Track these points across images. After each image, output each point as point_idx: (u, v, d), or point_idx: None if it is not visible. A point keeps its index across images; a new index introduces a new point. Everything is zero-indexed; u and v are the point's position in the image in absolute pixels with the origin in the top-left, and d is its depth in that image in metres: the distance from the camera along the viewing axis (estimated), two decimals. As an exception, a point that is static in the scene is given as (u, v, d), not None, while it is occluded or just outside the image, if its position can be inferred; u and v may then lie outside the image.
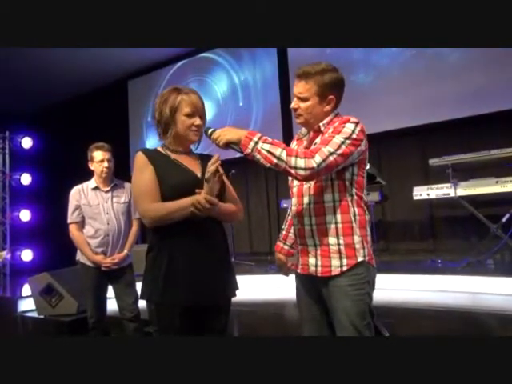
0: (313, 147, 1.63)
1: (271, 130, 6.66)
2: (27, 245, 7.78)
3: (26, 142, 7.71)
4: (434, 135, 5.63)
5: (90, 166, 2.99)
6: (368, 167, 1.84)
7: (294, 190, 1.75)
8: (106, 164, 2.92)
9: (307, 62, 1.71)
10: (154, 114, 1.74)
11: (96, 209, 2.90)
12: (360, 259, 1.62)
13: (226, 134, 1.58)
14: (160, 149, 1.76)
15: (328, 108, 1.69)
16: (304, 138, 1.81)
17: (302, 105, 1.69)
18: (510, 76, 5.07)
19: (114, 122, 8.59)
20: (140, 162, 1.69)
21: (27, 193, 7.95)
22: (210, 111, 7.02)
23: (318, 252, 1.66)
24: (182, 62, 8.01)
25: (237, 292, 1.78)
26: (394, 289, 4.17)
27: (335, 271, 1.62)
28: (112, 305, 3.05)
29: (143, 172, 1.67)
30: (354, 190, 1.66)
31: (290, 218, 1.92)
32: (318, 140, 1.68)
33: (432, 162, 4.79)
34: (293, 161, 1.50)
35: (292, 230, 1.87)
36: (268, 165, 1.53)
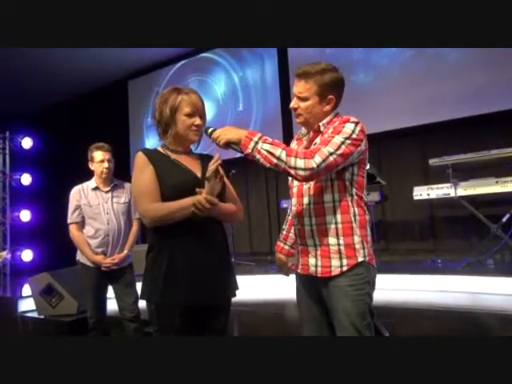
0: (313, 147, 1.63)
1: (271, 130, 6.66)
2: (27, 245, 7.78)
3: (26, 142, 7.71)
4: (434, 135, 5.63)
5: (90, 166, 2.99)
6: (368, 167, 1.84)
7: (294, 190, 1.75)
8: (106, 164, 2.92)
9: (307, 61, 1.70)
10: (154, 114, 1.74)
11: (96, 209, 2.90)
12: (360, 259, 1.62)
13: (227, 133, 1.58)
14: (160, 149, 1.76)
15: (328, 108, 1.69)
16: (304, 138, 1.81)
17: (302, 104, 1.68)
18: (510, 76, 5.07)
19: (114, 122, 8.59)
20: (140, 162, 1.69)
21: (27, 193, 7.95)
22: (210, 111, 7.01)
23: (318, 252, 1.66)
24: (182, 62, 8.02)
25: (237, 292, 1.78)
26: (394, 289, 4.17)
27: (335, 271, 1.62)
28: (112, 305, 3.05)
29: (143, 172, 1.67)
30: (354, 190, 1.66)
31: (290, 218, 1.92)
32: (317, 140, 1.68)
33: (432, 161, 4.79)
34: (292, 161, 1.50)
35: (292, 230, 1.87)
36: (268, 165, 1.53)
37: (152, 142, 7.99)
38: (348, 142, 1.56)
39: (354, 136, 1.57)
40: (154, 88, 8.15)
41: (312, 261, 1.68)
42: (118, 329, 3.01)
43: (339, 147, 1.54)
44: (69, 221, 2.94)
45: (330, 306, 1.64)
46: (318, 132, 1.70)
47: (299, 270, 1.76)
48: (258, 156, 1.53)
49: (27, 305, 4.43)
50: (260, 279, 5.10)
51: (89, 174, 3.02)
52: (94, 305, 2.89)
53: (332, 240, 1.63)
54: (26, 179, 7.72)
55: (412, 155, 5.87)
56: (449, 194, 4.74)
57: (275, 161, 1.51)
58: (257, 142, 1.53)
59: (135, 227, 3.01)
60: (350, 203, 1.65)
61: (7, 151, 7.65)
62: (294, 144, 1.86)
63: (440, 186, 4.83)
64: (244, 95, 7.40)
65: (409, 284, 4.32)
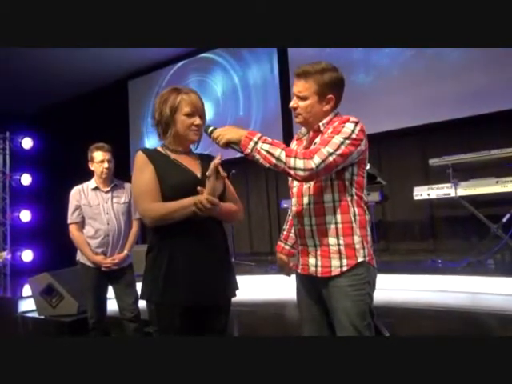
0: (312, 147, 1.63)
1: (271, 130, 6.66)
2: (27, 245, 7.78)
3: (27, 143, 7.72)
4: (434, 135, 5.63)
5: (90, 166, 2.99)
6: (368, 167, 1.84)
7: (294, 190, 1.75)
8: (106, 164, 2.92)
9: (307, 61, 1.70)
10: (154, 115, 1.74)
11: (96, 209, 2.90)
12: (360, 259, 1.61)
13: (227, 133, 1.58)
14: (160, 149, 1.77)
15: (327, 107, 1.68)
16: (304, 138, 1.81)
17: (302, 104, 1.68)
18: (510, 76, 5.07)
19: (114, 122, 8.59)
20: (140, 162, 1.69)
21: (27, 193, 7.95)
22: (209, 111, 7.04)
23: (318, 252, 1.66)
24: (183, 62, 8.01)
25: (237, 292, 1.78)
26: (395, 289, 4.17)
27: (335, 271, 1.61)
28: (112, 305, 3.05)
29: (143, 171, 1.67)
30: (354, 189, 1.66)
31: (290, 218, 1.92)
32: (317, 140, 1.68)
33: (432, 162, 4.79)
34: (292, 161, 1.50)
35: (293, 231, 1.87)
36: (267, 165, 1.53)
37: (152, 142, 7.98)
38: (347, 142, 1.55)
39: (354, 136, 1.57)
40: (154, 88, 8.15)
41: (312, 261, 1.67)
42: (118, 329, 3.01)
43: (339, 147, 1.54)
44: (69, 221, 2.94)
45: (330, 306, 1.64)
46: (317, 132, 1.70)
47: (299, 270, 1.76)
48: (257, 156, 1.53)
49: (27, 305, 4.43)
50: (260, 279, 5.10)
51: (89, 174, 3.02)
52: (94, 305, 2.89)
53: (332, 240, 1.63)
54: (26, 179, 7.73)
55: (412, 155, 5.87)
56: (449, 194, 4.74)
57: (274, 161, 1.51)
58: (256, 142, 1.53)
59: (135, 227, 3.01)
60: (349, 203, 1.64)
61: (7, 151, 7.66)
62: (293, 144, 1.86)
63: (440, 186, 4.83)
64: (244, 95, 7.40)
65: (409, 284, 4.31)
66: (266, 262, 5.94)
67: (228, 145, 1.59)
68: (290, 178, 1.72)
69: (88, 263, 2.88)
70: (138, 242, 3.45)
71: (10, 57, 6.81)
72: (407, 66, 5.86)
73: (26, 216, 7.77)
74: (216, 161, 1.61)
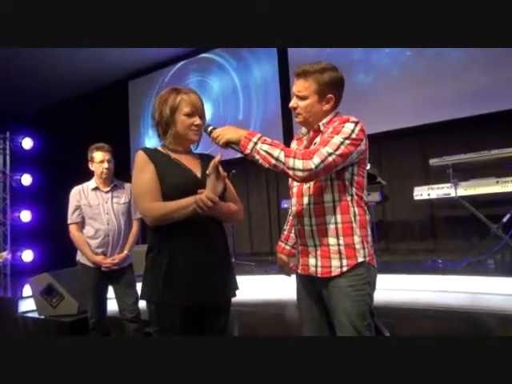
0: (312, 147, 1.63)
1: (271, 130, 6.66)
2: (28, 245, 7.78)
3: (27, 143, 7.72)
4: (435, 135, 5.63)
5: (90, 166, 2.99)
6: (369, 167, 1.84)
7: (294, 190, 1.75)
8: (105, 165, 2.92)
9: (307, 61, 1.70)
10: (154, 115, 1.74)
11: (96, 209, 2.90)
12: (360, 260, 1.61)
13: (226, 133, 1.58)
14: (160, 148, 1.77)
15: (327, 107, 1.68)
16: (304, 138, 1.81)
17: (301, 103, 1.68)
18: (510, 76, 5.07)
19: (115, 122, 8.59)
20: (140, 161, 1.69)
21: (28, 193, 7.95)
22: (209, 111, 7.04)
23: (318, 252, 1.66)
24: (183, 62, 8.01)
25: (237, 292, 1.78)
26: (395, 289, 4.17)
27: (335, 272, 1.61)
28: (112, 305, 3.05)
29: (144, 171, 1.67)
30: (354, 189, 1.65)
31: (291, 218, 1.92)
32: (317, 139, 1.67)
33: (432, 162, 4.79)
34: (291, 162, 1.50)
35: (293, 231, 1.87)
36: (267, 165, 1.53)
37: (152, 142, 7.99)
38: (347, 142, 1.55)
39: (354, 136, 1.57)
40: (154, 88, 8.15)
41: (312, 261, 1.67)
42: (119, 329, 3.01)
43: (338, 147, 1.53)
44: (69, 221, 2.94)
45: (330, 306, 1.64)
46: (317, 131, 1.69)
47: (299, 270, 1.75)
48: (256, 156, 1.53)
49: (28, 305, 4.43)
50: (260, 279, 5.10)
51: (89, 175, 3.02)
52: (95, 305, 2.89)
53: (332, 240, 1.63)
54: (26, 179, 7.73)
55: (412, 155, 5.87)
56: (449, 194, 4.74)
57: (274, 161, 1.51)
58: (256, 143, 1.53)
59: (135, 227, 3.01)
60: (349, 203, 1.64)
61: (7, 151, 7.66)
62: (294, 144, 1.86)
63: (440, 186, 4.83)
64: (244, 95, 7.39)
65: (409, 284, 4.31)
66: (266, 262, 5.94)
67: (227, 145, 1.59)
68: (290, 178, 1.72)
69: (88, 263, 2.88)
70: (138, 242, 3.45)
71: (10, 57, 6.81)
72: (407, 66, 5.86)
73: (26, 216, 7.77)
74: (216, 159, 1.61)
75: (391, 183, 5.66)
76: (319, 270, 1.65)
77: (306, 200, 1.69)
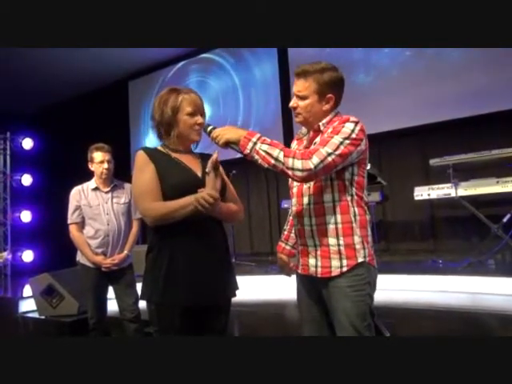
0: (312, 147, 1.62)
1: (271, 130, 6.67)
2: (28, 246, 7.78)
3: (27, 143, 7.72)
4: (435, 135, 5.63)
5: (90, 166, 2.99)
6: (369, 167, 1.84)
7: (294, 190, 1.75)
8: (105, 165, 2.92)
9: (307, 61, 1.70)
10: (154, 116, 1.74)
11: (96, 209, 2.90)
12: (360, 260, 1.61)
13: (226, 133, 1.58)
14: (161, 148, 1.76)
15: (327, 107, 1.68)
16: (304, 138, 1.81)
17: (301, 103, 1.68)
18: (510, 76, 5.07)
19: (115, 122, 8.59)
20: (141, 161, 1.69)
21: (28, 193, 7.96)
22: (210, 111, 7.03)
23: (318, 252, 1.65)
24: (183, 62, 8.02)
25: (237, 292, 1.78)
26: (395, 289, 4.17)
27: (335, 272, 1.61)
28: (112, 305, 3.05)
29: (144, 171, 1.67)
30: (354, 189, 1.65)
31: (291, 218, 1.92)
32: (317, 139, 1.67)
33: (433, 162, 4.79)
34: (290, 162, 1.50)
35: (293, 231, 1.87)
36: (266, 165, 1.53)
37: (152, 142, 7.98)
38: (347, 142, 1.55)
39: (354, 136, 1.57)
40: (154, 88, 8.15)
41: (312, 261, 1.67)
42: (119, 329, 3.01)
43: (338, 147, 1.53)
44: (69, 221, 2.94)
45: (330, 306, 1.64)
46: (317, 131, 1.69)
47: (299, 271, 1.75)
48: (256, 157, 1.53)
49: (28, 305, 4.43)
50: (260, 280, 5.09)
51: (89, 175, 3.02)
52: (95, 305, 2.89)
53: (332, 240, 1.63)
54: (26, 180, 7.73)
55: (412, 155, 5.87)
56: (449, 194, 4.74)
57: (273, 162, 1.51)
58: (255, 143, 1.53)
59: (135, 228, 3.01)
60: (350, 203, 1.64)
61: (8, 152, 7.66)
62: (294, 144, 1.86)
63: (441, 186, 4.82)
64: (244, 95, 7.39)
65: (409, 284, 4.31)
66: (267, 263, 5.94)
67: (227, 145, 1.59)
68: (289, 178, 1.72)
69: (88, 264, 2.88)
70: (138, 242, 3.45)
71: (10, 57, 6.82)
72: (407, 66, 5.86)
73: (26, 216, 7.78)
74: (214, 157, 1.61)
75: (391, 183, 5.66)
76: (319, 270, 1.65)
77: (306, 200, 1.69)
